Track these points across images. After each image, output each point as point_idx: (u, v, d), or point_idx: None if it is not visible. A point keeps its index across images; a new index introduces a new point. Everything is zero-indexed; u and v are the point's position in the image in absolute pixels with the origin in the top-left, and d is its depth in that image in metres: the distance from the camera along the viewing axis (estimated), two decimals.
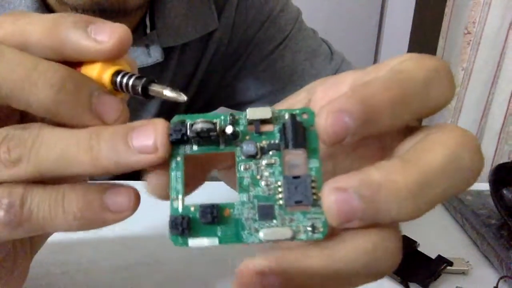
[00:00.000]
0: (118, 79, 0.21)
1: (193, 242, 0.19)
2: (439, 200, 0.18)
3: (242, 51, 0.65)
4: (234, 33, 0.63)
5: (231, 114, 0.20)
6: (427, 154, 0.18)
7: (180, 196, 0.19)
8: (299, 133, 0.19)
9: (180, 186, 0.19)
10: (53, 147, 0.19)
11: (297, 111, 0.20)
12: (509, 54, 1.12)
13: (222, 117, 0.19)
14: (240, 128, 0.19)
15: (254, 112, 0.19)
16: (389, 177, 0.17)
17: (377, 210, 0.17)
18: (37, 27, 0.20)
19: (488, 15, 1.12)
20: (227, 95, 0.69)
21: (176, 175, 0.19)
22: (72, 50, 0.20)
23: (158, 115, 0.63)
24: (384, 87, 0.18)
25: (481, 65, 1.16)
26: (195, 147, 0.19)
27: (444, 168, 0.17)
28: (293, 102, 0.24)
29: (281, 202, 0.19)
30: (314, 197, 0.18)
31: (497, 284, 0.41)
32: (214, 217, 0.18)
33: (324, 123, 0.17)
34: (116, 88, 0.21)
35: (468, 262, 0.43)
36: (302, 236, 0.18)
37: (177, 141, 0.19)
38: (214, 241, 0.19)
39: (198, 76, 0.65)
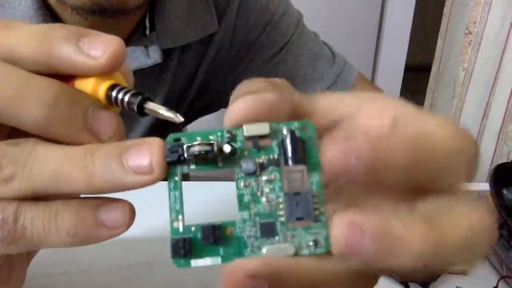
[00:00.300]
0: (114, 94, 0.20)
1: (196, 262, 0.19)
2: (441, 266, 0.18)
3: (243, 55, 0.65)
4: (235, 36, 0.63)
5: (228, 131, 0.19)
6: (451, 223, 0.18)
7: (180, 217, 0.19)
8: (299, 149, 0.19)
9: (179, 207, 0.19)
10: (46, 165, 0.19)
11: (296, 125, 0.19)
12: (509, 55, 1.12)
13: (219, 134, 0.19)
14: (238, 144, 0.19)
15: (251, 128, 0.19)
16: (409, 234, 0.17)
17: (385, 259, 0.17)
18: (26, 41, 0.20)
19: (489, 15, 1.12)
20: (227, 98, 0.68)
21: (175, 195, 0.19)
22: (64, 65, 0.20)
23: (157, 119, 0.63)
24: (405, 156, 0.18)
25: (482, 65, 1.16)
26: (192, 166, 0.19)
27: (463, 243, 0.17)
28: (339, 105, 0.22)
29: (282, 219, 0.19)
30: (316, 212, 0.18)
31: (497, 284, 0.41)
32: (216, 238, 0.18)
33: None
34: (110, 102, 0.20)
35: None
36: (305, 251, 0.18)
37: (173, 162, 0.19)
38: (217, 260, 0.19)
39: (198, 79, 0.65)
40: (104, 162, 0.19)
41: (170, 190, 0.19)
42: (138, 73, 0.56)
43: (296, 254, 0.18)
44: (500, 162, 0.51)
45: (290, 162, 0.19)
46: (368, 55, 1.67)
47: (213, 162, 0.19)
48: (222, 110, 0.74)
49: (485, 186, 0.51)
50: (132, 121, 0.62)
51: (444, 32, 1.24)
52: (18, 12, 0.49)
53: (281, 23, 0.64)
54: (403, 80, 1.64)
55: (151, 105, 0.20)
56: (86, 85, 0.20)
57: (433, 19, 1.32)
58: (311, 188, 0.19)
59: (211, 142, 0.19)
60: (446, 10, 1.23)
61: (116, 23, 0.51)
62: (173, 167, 0.19)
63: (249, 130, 0.19)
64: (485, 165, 1.06)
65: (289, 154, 0.19)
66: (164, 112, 0.19)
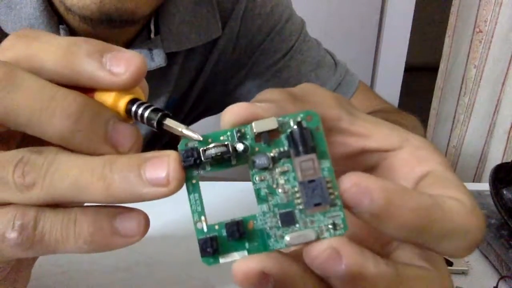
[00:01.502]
0: (134, 108, 0.20)
1: (224, 259, 0.19)
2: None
3: (246, 60, 0.65)
4: (239, 41, 0.64)
5: (237, 130, 0.20)
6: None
7: (202, 218, 0.20)
8: (307, 138, 0.19)
9: (200, 208, 0.20)
10: (67, 174, 0.19)
11: (301, 116, 0.20)
12: None
13: (229, 133, 0.20)
14: (248, 141, 0.20)
15: (260, 125, 0.20)
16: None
17: (385, 216, 0.18)
18: (51, 54, 0.20)
19: (500, 14, 1.14)
20: (229, 102, 0.69)
21: (195, 198, 0.20)
22: (86, 80, 0.20)
23: None
24: (417, 214, 0.19)
25: (492, 63, 1.17)
26: (208, 168, 0.20)
27: None
28: (378, 137, 0.23)
29: (300, 206, 0.19)
30: (331, 196, 0.19)
31: (497, 284, 0.41)
32: (241, 233, 0.19)
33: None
34: (129, 116, 0.21)
35: (468, 262, 0.43)
36: (326, 234, 0.19)
37: (190, 166, 0.20)
38: (244, 253, 0.19)
39: (201, 82, 0.65)
40: (122, 172, 0.19)
41: (189, 193, 0.20)
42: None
43: (317, 238, 0.19)
44: (509, 160, 0.51)
45: (301, 153, 0.19)
46: (368, 55, 1.67)
47: (227, 161, 0.20)
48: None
49: (485, 186, 0.51)
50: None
51: (452, 30, 1.25)
52: (24, 13, 0.49)
53: (284, 30, 0.64)
54: (403, 80, 1.64)
55: (170, 122, 0.20)
56: (107, 98, 0.21)
57: (433, 19, 1.32)
58: (324, 174, 0.19)
59: (225, 143, 0.19)
60: (453, 9, 1.24)
61: (122, 30, 0.51)
62: (190, 171, 0.20)
63: (258, 126, 0.20)
64: (495, 162, 1.06)
65: (299, 144, 0.19)
66: (184, 130, 0.20)
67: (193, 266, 0.42)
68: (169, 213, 0.42)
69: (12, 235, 0.19)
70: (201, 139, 0.20)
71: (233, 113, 0.20)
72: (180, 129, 0.20)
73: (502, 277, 0.42)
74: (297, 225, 0.19)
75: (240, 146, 0.19)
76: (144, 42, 0.55)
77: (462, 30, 1.22)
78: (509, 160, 0.51)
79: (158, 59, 0.55)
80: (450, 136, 1.32)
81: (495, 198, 0.47)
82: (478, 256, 0.46)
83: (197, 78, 0.65)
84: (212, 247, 0.19)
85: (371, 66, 1.68)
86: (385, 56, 1.62)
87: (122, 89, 0.20)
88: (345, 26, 1.61)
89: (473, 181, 1.27)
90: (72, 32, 0.51)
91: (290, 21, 0.65)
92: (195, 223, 0.20)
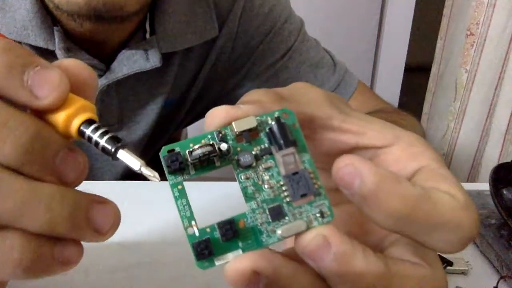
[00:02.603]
0: (88, 132, 0.19)
1: (219, 261, 0.20)
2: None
3: (245, 60, 0.65)
4: (237, 42, 0.64)
5: (218, 132, 0.20)
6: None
7: (193, 222, 0.20)
8: (287, 133, 0.20)
9: (189, 213, 0.20)
10: (13, 196, 0.18)
11: (277, 113, 0.21)
12: None
13: (209, 136, 0.20)
14: (230, 142, 0.20)
15: (240, 124, 0.20)
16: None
17: (373, 201, 0.19)
18: None
19: (493, 16, 1.11)
20: (228, 102, 0.68)
21: (182, 203, 0.20)
22: (8, 96, 0.19)
23: (158, 120, 0.63)
24: (412, 205, 0.19)
25: (485, 67, 1.15)
26: (192, 171, 0.20)
27: None
28: (370, 134, 0.23)
29: (287, 199, 0.20)
30: (315, 186, 0.20)
31: (497, 284, 0.41)
32: (234, 232, 0.19)
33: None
34: (83, 137, 0.19)
35: (468, 262, 0.43)
36: (315, 223, 0.20)
37: (174, 171, 0.20)
38: (238, 253, 0.20)
39: (199, 82, 0.65)
40: (70, 210, 0.19)
41: (176, 199, 0.20)
42: (139, 76, 0.56)
43: (307, 227, 0.19)
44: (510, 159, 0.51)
45: (283, 146, 0.20)
46: (368, 55, 1.67)
47: (211, 163, 0.20)
48: None
49: (485, 186, 0.51)
50: (139, 114, 0.62)
51: (444, 33, 1.24)
52: (18, 15, 0.49)
53: (283, 30, 0.64)
54: (403, 80, 1.64)
55: (125, 156, 0.19)
56: (58, 118, 0.19)
57: (433, 19, 1.32)
58: (305, 166, 0.20)
59: (211, 142, 0.20)
60: (446, 11, 1.23)
61: (115, 28, 0.51)
62: (174, 177, 0.20)
63: (238, 125, 0.20)
64: (490, 166, 1.06)
65: (279, 139, 0.20)
66: (143, 169, 0.19)
67: (193, 266, 0.42)
68: (169, 213, 0.42)
69: None
70: (158, 180, 0.19)
71: (215, 116, 0.20)
72: (135, 167, 0.19)
73: (502, 277, 0.42)
74: (287, 218, 0.20)
75: (224, 146, 0.20)
76: (139, 42, 0.55)
77: (455, 32, 1.20)
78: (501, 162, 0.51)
79: (154, 60, 0.55)
80: (441, 141, 1.31)
81: (495, 198, 0.47)
82: (478, 256, 0.46)
83: (195, 79, 0.65)
84: (207, 249, 0.19)
85: (371, 66, 1.69)
86: (385, 56, 1.63)
87: (46, 110, 0.19)
88: (345, 26, 1.61)
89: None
90: (66, 33, 0.51)
91: (288, 21, 0.65)
92: (186, 229, 0.20)
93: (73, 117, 0.19)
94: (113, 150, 0.19)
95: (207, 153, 0.19)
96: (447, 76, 1.25)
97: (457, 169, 1.27)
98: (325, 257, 0.18)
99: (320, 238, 0.18)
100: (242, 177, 0.20)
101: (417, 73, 1.72)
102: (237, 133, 0.20)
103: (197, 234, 0.20)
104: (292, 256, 0.19)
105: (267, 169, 0.20)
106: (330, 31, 1.52)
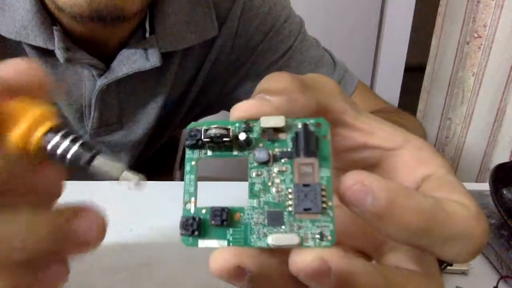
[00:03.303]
0: (53, 141, 0.17)
1: (203, 243, 0.19)
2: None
3: (245, 60, 0.65)
4: (237, 41, 0.64)
5: (246, 122, 0.20)
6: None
7: (192, 199, 0.19)
8: (311, 141, 0.19)
9: (193, 189, 0.20)
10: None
11: (311, 121, 0.20)
12: None
13: (237, 124, 0.20)
14: (254, 135, 0.20)
15: (267, 121, 0.19)
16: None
17: (385, 217, 0.18)
18: None
19: (500, 18, 1.08)
20: (228, 101, 0.69)
21: (190, 178, 0.20)
22: None
23: (158, 119, 0.63)
24: (420, 216, 0.18)
25: (493, 70, 1.12)
26: (209, 152, 0.20)
27: None
28: (382, 135, 0.23)
29: (290, 208, 0.19)
30: (324, 205, 0.18)
31: (497, 284, 0.41)
32: (223, 219, 0.19)
33: None
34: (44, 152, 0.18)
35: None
36: (310, 243, 0.18)
37: (192, 146, 0.20)
38: (224, 243, 0.19)
39: (199, 82, 0.65)
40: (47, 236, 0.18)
41: (186, 173, 0.20)
42: (139, 75, 0.56)
43: (300, 244, 0.18)
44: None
45: (301, 154, 0.19)
46: (368, 55, 1.67)
47: (229, 149, 0.20)
48: (222, 111, 0.74)
49: (485, 186, 0.51)
50: (139, 113, 0.62)
51: (439, 31, 1.22)
52: (18, 15, 0.49)
53: (283, 29, 0.64)
54: (403, 80, 1.64)
55: (101, 163, 0.18)
56: (15, 134, 0.17)
57: (433, 19, 1.32)
58: (321, 182, 0.19)
59: (228, 127, 0.19)
60: (440, 9, 1.21)
61: (114, 28, 0.51)
62: (191, 151, 0.20)
63: (265, 122, 0.19)
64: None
65: (302, 146, 0.19)
66: (123, 174, 0.18)
67: (193, 266, 0.42)
68: (169, 214, 0.42)
69: None
70: (140, 185, 0.19)
71: (241, 110, 0.20)
72: (116, 174, 0.18)
73: (502, 277, 0.42)
74: (283, 227, 0.19)
75: (242, 136, 0.19)
76: (139, 41, 0.55)
77: (449, 31, 1.19)
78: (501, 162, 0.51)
79: (153, 59, 0.55)
80: (436, 139, 1.29)
81: (495, 198, 0.47)
82: (478, 256, 0.46)
83: (195, 78, 0.65)
84: (193, 226, 0.19)
85: (371, 66, 1.68)
86: (385, 56, 1.62)
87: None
88: (345, 26, 1.61)
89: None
90: (66, 33, 0.51)
91: (288, 21, 0.65)
92: (185, 203, 0.19)
93: (33, 129, 0.17)
94: (88, 157, 0.18)
95: (218, 135, 0.19)
96: (441, 74, 1.24)
97: (464, 173, 1.25)
98: (323, 281, 0.17)
99: (319, 262, 0.17)
100: (253, 173, 0.19)
101: (417, 73, 1.72)
102: (262, 128, 0.19)
103: (192, 210, 0.19)
104: (278, 252, 0.19)
105: (281, 172, 0.19)
106: (330, 31, 1.52)
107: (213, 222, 0.19)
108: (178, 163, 0.91)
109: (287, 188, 0.19)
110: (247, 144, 0.19)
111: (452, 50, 1.20)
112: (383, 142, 0.22)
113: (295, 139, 0.19)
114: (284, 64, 0.65)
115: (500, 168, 0.50)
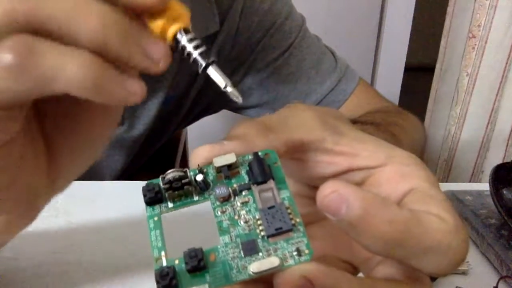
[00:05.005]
0: (182, 42, 0.21)
1: None
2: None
3: (246, 57, 0.65)
4: (238, 38, 0.64)
5: (199, 168, 0.20)
6: None
7: (163, 253, 0.19)
8: (265, 167, 0.20)
9: (161, 244, 0.19)
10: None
11: (260, 153, 0.21)
12: None
13: (191, 173, 0.20)
14: (210, 178, 0.20)
15: (219, 160, 0.20)
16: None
17: (362, 226, 0.18)
18: None
19: (494, 18, 1.08)
20: (229, 98, 0.69)
21: (156, 234, 0.20)
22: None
23: (158, 117, 0.63)
24: (399, 228, 0.18)
25: (487, 70, 1.12)
26: (170, 204, 0.20)
27: None
28: (364, 154, 0.23)
29: (263, 233, 0.19)
30: (292, 221, 0.19)
31: (497, 284, 0.41)
32: (200, 259, 0.18)
33: None
34: (176, 45, 0.21)
35: (468, 262, 0.43)
36: (290, 261, 0.18)
37: (152, 200, 0.20)
38: (205, 287, 0.18)
39: (199, 79, 0.65)
40: (121, 28, 0.19)
41: (151, 230, 0.20)
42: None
43: (281, 265, 0.18)
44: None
45: (259, 179, 0.20)
46: (368, 55, 1.67)
47: (189, 196, 0.20)
48: (223, 111, 0.74)
49: (485, 186, 0.51)
50: (136, 111, 0.62)
51: (448, 31, 1.22)
52: None
53: (284, 26, 0.64)
54: (403, 80, 1.64)
55: (214, 74, 0.21)
56: (155, 26, 0.20)
57: (433, 19, 1.32)
58: (284, 202, 0.19)
59: (185, 169, 0.20)
60: (449, 9, 1.21)
61: None
62: (151, 208, 0.20)
63: (217, 161, 0.20)
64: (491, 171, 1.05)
65: (257, 173, 0.20)
66: (229, 89, 0.21)
67: None
68: (169, 213, 0.42)
69: (7, 55, 0.18)
70: (241, 101, 0.21)
71: (198, 156, 0.21)
72: (222, 85, 0.21)
73: (502, 277, 0.42)
74: (260, 254, 0.19)
75: (200, 176, 0.20)
76: None
77: (458, 30, 1.18)
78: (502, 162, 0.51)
79: None
80: (442, 144, 1.29)
81: (495, 198, 0.47)
82: (478, 256, 0.46)
83: (196, 74, 0.65)
84: (169, 275, 0.18)
85: (371, 66, 1.68)
86: (385, 56, 1.62)
87: (151, 10, 0.20)
88: (345, 26, 1.60)
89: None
90: None
91: (290, 18, 0.65)
92: (156, 260, 0.19)
93: (170, 24, 0.20)
94: (204, 64, 0.21)
95: (177, 177, 0.19)
96: (450, 73, 1.23)
97: (458, 174, 1.24)
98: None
99: (302, 281, 0.17)
100: (218, 212, 0.20)
101: (417, 73, 1.72)
102: (216, 168, 0.20)
103: (164, 264, 0.19)
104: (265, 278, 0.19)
105: (245, 203, 0.20)
106: (330, 31, 1.52)
107: (191, 265, 0.18)
108: (178, 163, 0.92)
109: (254, 217, 0.19)
110: (206, 187, 0.20)
111: (460, 49, 1.19)
112: (366, 162, 0.23)
113: (250, 171, 0.20)
114: (285, 61, 0.65)
115: (500, 168, 0.50)
